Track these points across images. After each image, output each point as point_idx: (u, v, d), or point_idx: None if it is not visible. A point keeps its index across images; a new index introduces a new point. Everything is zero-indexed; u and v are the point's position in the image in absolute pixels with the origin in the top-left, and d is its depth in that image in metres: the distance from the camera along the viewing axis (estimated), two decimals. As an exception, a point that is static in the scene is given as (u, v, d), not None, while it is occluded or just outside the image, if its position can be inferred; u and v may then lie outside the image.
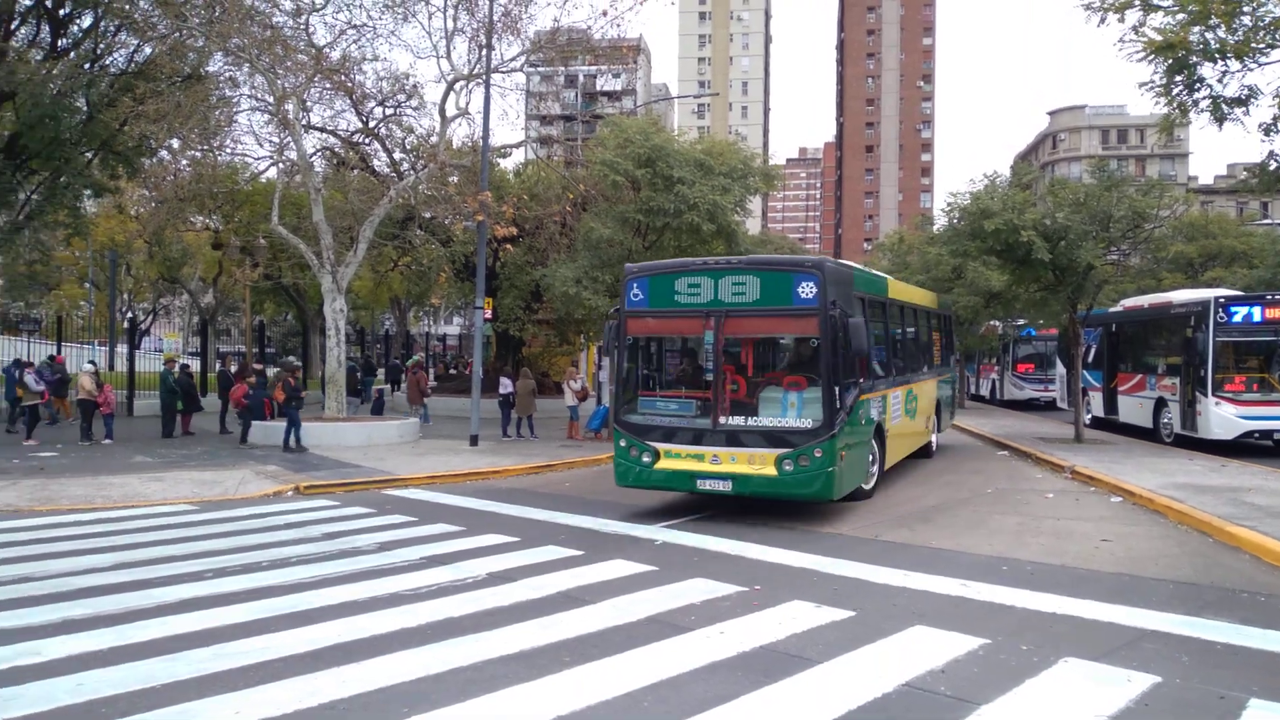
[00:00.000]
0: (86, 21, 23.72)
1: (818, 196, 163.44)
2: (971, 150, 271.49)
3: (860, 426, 11.51)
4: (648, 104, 55.44)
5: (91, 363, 21.09)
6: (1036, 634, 6.56)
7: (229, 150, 23.36)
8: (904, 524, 10.91)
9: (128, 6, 21.63)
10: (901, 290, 15.65)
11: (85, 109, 22.47)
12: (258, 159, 41.91)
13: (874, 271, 15.58)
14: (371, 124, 23.78)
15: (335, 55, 20.94)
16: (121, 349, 28.14)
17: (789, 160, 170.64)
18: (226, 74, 22.09)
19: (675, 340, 12.34)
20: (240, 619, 6.82)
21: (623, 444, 11.40)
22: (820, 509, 11.51)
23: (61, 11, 23.22)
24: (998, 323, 31.65)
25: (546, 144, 62.76)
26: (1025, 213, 17.73)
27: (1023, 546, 9.63)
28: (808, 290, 10.54)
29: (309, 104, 21.44)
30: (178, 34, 20.37)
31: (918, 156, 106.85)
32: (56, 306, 47.94)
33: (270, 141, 24.55)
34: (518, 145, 44.60)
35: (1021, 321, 30.68)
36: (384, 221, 21.41)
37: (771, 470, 10.49)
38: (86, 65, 22.84)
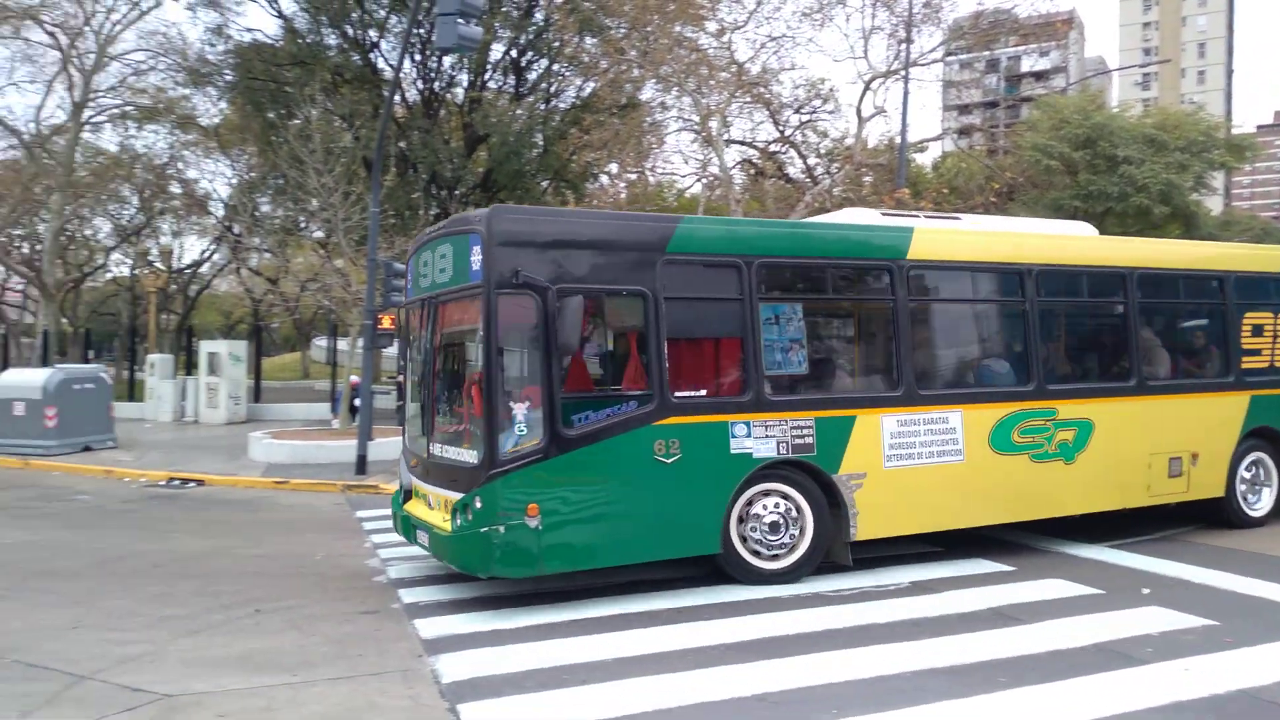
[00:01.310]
0: (542, 66, 27.05)
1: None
2: None
3: (628, 464, 7.33)
4: (1084, 79, 50.64)
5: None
6: None
7: (659, 170, 25.26)
8: None
9: (574, 50, 24.31)
10: (961, 242, 9.33)
11: (541, 143, 25.59)
12: (683, 176, 44.87)
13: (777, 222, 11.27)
14: (787, 132, 24.35)
15: (754, 69, 21.73)
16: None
17: (1260, 127, 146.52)
18: (657, 100, 23.91)
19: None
20: (661, 606, 7.26)
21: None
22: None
23: (523, 60, 26.72)
24: None
25: (966, 134, 59.86)
26: None
27: None
28: (475, 259, 7.21)
29: (730, 119, 22.47)
30: (617, 68, 22.42)
31: None
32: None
33: (695, 158, 26.09)
34: (936, 138, 43.06)
35: None
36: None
37: (446, 524, 7.38)
38: (541, 105, 26.04)
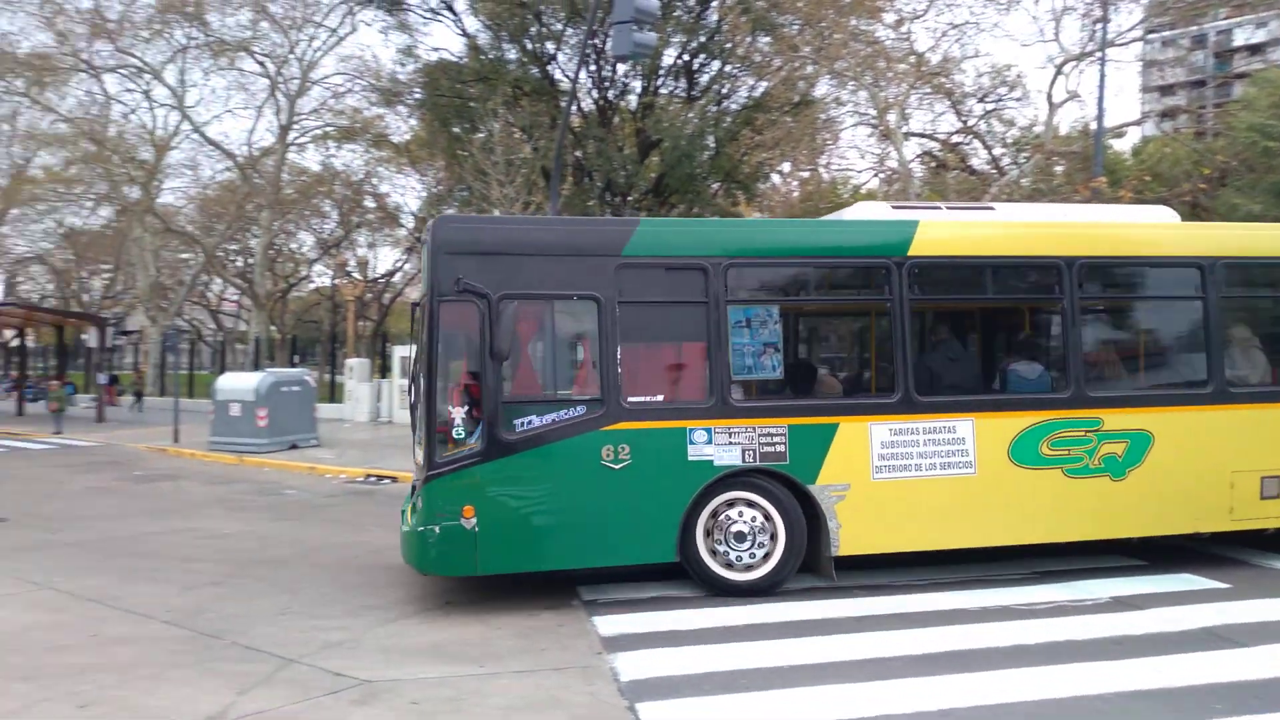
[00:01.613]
0: (713, 69, 27.09)
1: None
2: None
3: (571, 468, 7.27)
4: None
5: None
6: None
7: (833, 167, 24.80)
8: None
9: (747, 50, 24.24)
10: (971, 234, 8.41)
11: (713, 146, 25.63)
12: (859, 171, 43.85)
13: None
14: (970, 122, 23.37)
15: (935, 59, 20.98)
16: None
17: None
18: (832, 96, 23.49)
19: None
20: (849, 613, 7.07)
21: None
22: None
23: (695, 63, 26.85)
24: None
25: (1170, 116, 55.59)
26: None
27: None
28: (426, 268, 7.52)
29: (909, 111, 21.78)
30: (790, 66, 22.17)
31: None
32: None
33: (871, 153, 25.50)
34: (1135, 123, 40.18)
35: None
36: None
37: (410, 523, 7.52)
38: (713, 107, 26.08)
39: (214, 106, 49.72)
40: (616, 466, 7.34)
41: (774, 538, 7.58)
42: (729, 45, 24.68)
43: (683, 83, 27.40)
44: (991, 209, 9.36)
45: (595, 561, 7.53)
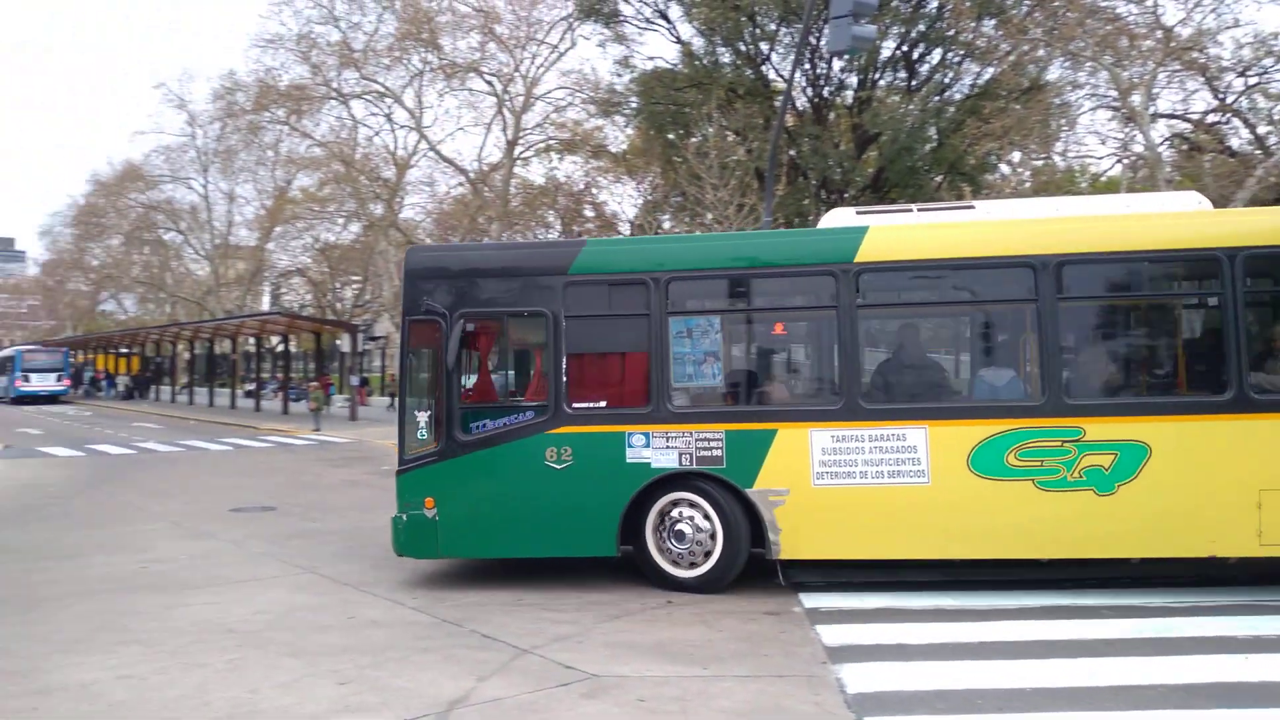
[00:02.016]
0: (934, 58, 26.03)
1: None
2: None
3: (528, 468, 7.96)
4: None
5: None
6: None
7: (1069, 154, 23.18)
8: None
9: (971, 36, 23.10)
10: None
11: (935, 137, 24.60)
12: (1099, 158, 40.92)
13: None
14: (1229, 99, 21.16)
15: (1186, 32, 19.15)
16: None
17: None
18: (1066, 79, 21.96)
19: None
20: (1097, 635, 6.53)
21: None
22: None
23: (914, 53, 25.91)
24: None
25: None
26: None
27: None
28: None
29: (1156, 91, 20.00)
30: (1019, 49, 20.93)
31: None
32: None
33: (1113, 138, 23.61)
34: None
35: None
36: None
37: None
38: (934, 98, 25.05)
39: (447, 125, 53.24)
40: (559, 467, 7.99)
41: (714, 537, 7.84)
42: (951, 33, 23.64)
43: (901, 74, 26.52)
44: (972, 208, 8.97)
45: (541, 552, 8.31)
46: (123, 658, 6.28)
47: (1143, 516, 7.33)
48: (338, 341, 36.88)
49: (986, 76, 24.65)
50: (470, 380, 8.55)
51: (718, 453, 7.86)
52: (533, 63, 37.32)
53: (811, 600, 7.57)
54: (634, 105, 29.06)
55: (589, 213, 41.64)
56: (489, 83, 37.92)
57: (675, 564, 7.96)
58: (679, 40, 28.61)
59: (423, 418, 8.43)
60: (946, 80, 26.05)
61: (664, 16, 28.31)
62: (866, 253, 7.82)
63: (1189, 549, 7.40)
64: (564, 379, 8.07)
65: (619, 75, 29.82)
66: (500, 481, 8.12)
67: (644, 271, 8.15)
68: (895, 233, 8.13)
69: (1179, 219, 7.94)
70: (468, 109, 43.42)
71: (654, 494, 7.97)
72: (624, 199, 42.25)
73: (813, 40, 24.15)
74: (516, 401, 8.51)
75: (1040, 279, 7.54)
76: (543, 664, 6.07)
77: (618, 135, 38.17)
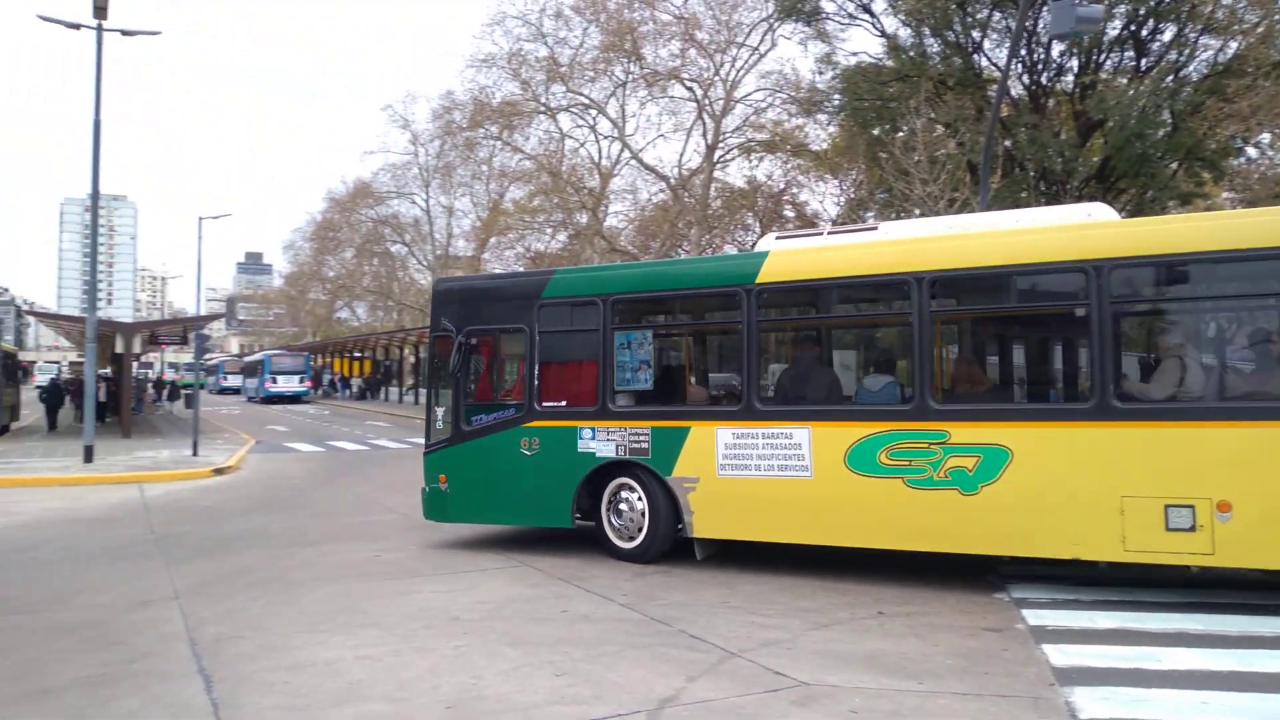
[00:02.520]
0: (1167, 35, 23.95)
1: None
2: None
3: (510, 456, 9.92)
4: None
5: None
6: None
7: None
8: None
9: (1210, 8, 21.11)
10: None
11: (1169, 121, 22.65)
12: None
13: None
14: None
15: None
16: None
17: None
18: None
19: None
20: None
21: None
22: None
23: (1143, 31, 23.95)
24: None
25: None
26: None
27: None
28: None
29: None
30: (1270, 19, 18.94)
31: None
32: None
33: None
34: None
35: None
36: None
37: None
38: (1168, 78, 23.05)
39: (648, 133, 54.13)
40: (530, 454, 9.86)
41: (644, 515, 9.26)
42: (1187, 7, 21.67)
43: (1129, 54, 24.57)
44: (875, 229, 9.33)
45: (520, 523, 10.59)
46: (361, 639, 6.78)
47: (1005, 516, 7.66)
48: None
49: (1230, 52, 22.43)
50: (473, 383, 10.51)
51: (645, 445, 9.32)
52: (733, 66, 37.41)
53: (1036, 617, 7.14)
54: (837, 102, 28.52)
55: (789, 213, 41.25)
56: (689, 88, 38.34)
57: (619, 536, 9.50)
58: (883, 34, 27.82)
59: (440, 412, 10.63)
60: (1181, 58, 23.92)
61: (867, 10, 27.61)
62: (766, 274, 8.88)
63: (1053, 550, 7.67)
64: (535, 383, 9.88)
65: (820, 73, 29.36)
66: (491, 464, 10.05)
67: (594, 294, 9.73)
68: (792, 255, 9.10)
69: (1050, 233, 8.02)
70: (668, 116, 44.08)
71: (607, 478, 9.55)
72: (825, 197, 41.53)
73: (1029, 25, 22.82)
74: (504, 401, 10.33)
75: (914, 293, 8.12)
76: (752, 668, 6.05)
77: (819, 134, 37.59)
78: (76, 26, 19.98)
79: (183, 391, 47.75)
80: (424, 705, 5.42)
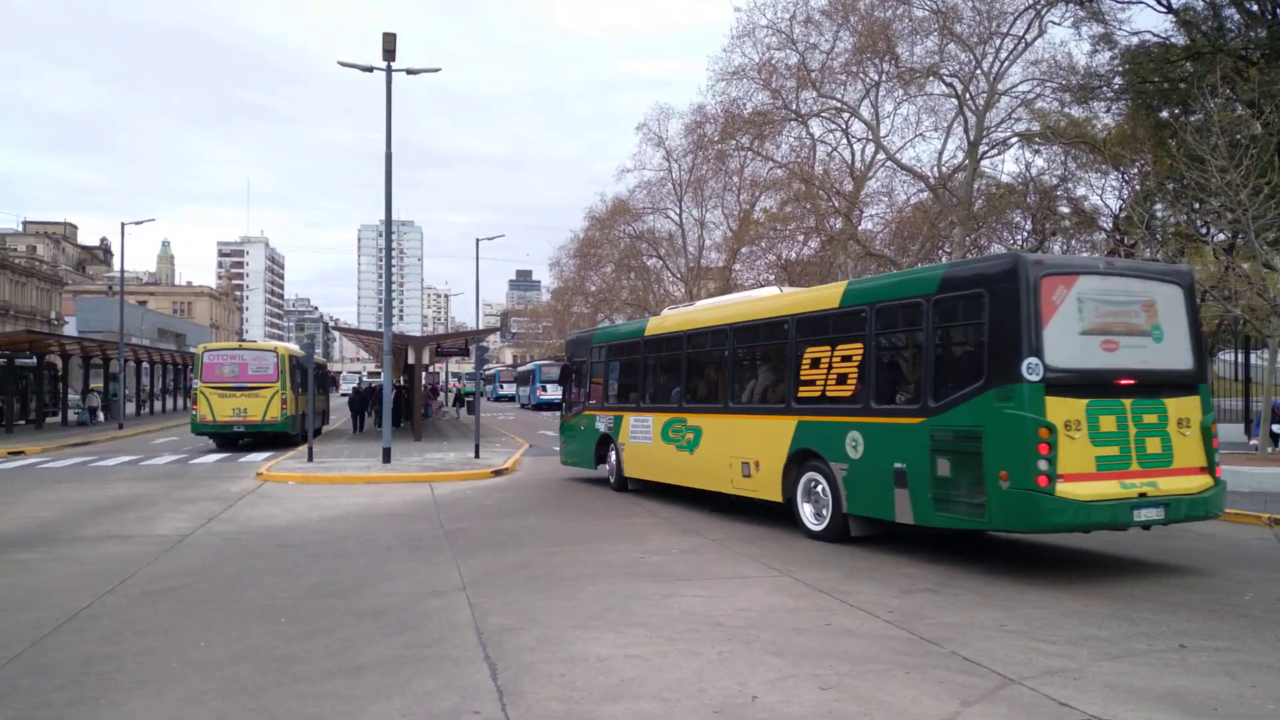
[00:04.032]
0: None
1: None
2: None
3: (579, 431, 18.56)
4: None
5: None
6: None
7: None
8: None
9: None
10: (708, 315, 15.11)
11: None
12: None
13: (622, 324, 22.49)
14: None
15: None
16: None
17: None
18: None
19: None
20: None
21: None
22: None
23: None
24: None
25: None
26: None
27: None
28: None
29: None
30: None
31: None
32: None
33: None
34: None
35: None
36: None
37: None
38: None
39: (904, 133, 52.33)
40: (584, 429, 18.15)
41: (613, 459, 17.15)
42: None
43: None
44: (691, 305, 17.26)
45: (576, 465, 18.97)
46: (629, 638, 7.02)
47: (703, 466, 13.99)
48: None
49: None
50: (576, 390, 18.93)
51: (613, 425, 17.05)
52: (995, 58, 35.49)
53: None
54: (1117, 86, 26.30)
55: (1064, 209, 38.53)
56: (948, 84, 36.77)
57: (610, 473, 17.37)
58: (1170, 9, 25.36)
59: (566, 405, 19.67)
60: None
61: (1152, -16, 25.29)
62: (649, 330, 16.38)
63: (716, 487, 13.77)
64: (587, 391, 18.33)
65: (1094, 56, 27.20)
66: (575, 434, 18.75)
67: (601, 343, 18.08)
68: (661, 319, 16.45)
69: (769, 300, 13.65)
70: (926, 114, 42.33)
71: (605, 442, 17.37)
72: (1105, 191, 38.32)
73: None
74: (583, 402, 18.43)
75: (683, 342, 15.20)
76: (1034, 696, 5.66)
77: (1095, 122, 34.87)
78: (370, 69, 22.19)
79: (465, 399, 51.72)
80: (692, 708, 5.52)
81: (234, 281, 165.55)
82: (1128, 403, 8.86)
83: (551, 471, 20.77)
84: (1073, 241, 41.17)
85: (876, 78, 38.41)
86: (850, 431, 10.69)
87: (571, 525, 12.99)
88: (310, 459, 21.39)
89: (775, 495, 12.04)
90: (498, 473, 19.81)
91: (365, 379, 72.48)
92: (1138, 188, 31.89)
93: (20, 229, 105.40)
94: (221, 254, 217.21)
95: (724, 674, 6.15)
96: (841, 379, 11.02)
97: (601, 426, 17.24)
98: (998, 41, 35.08)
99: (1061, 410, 8.57)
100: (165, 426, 39.19)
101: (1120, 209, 36.72)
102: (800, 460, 11.62)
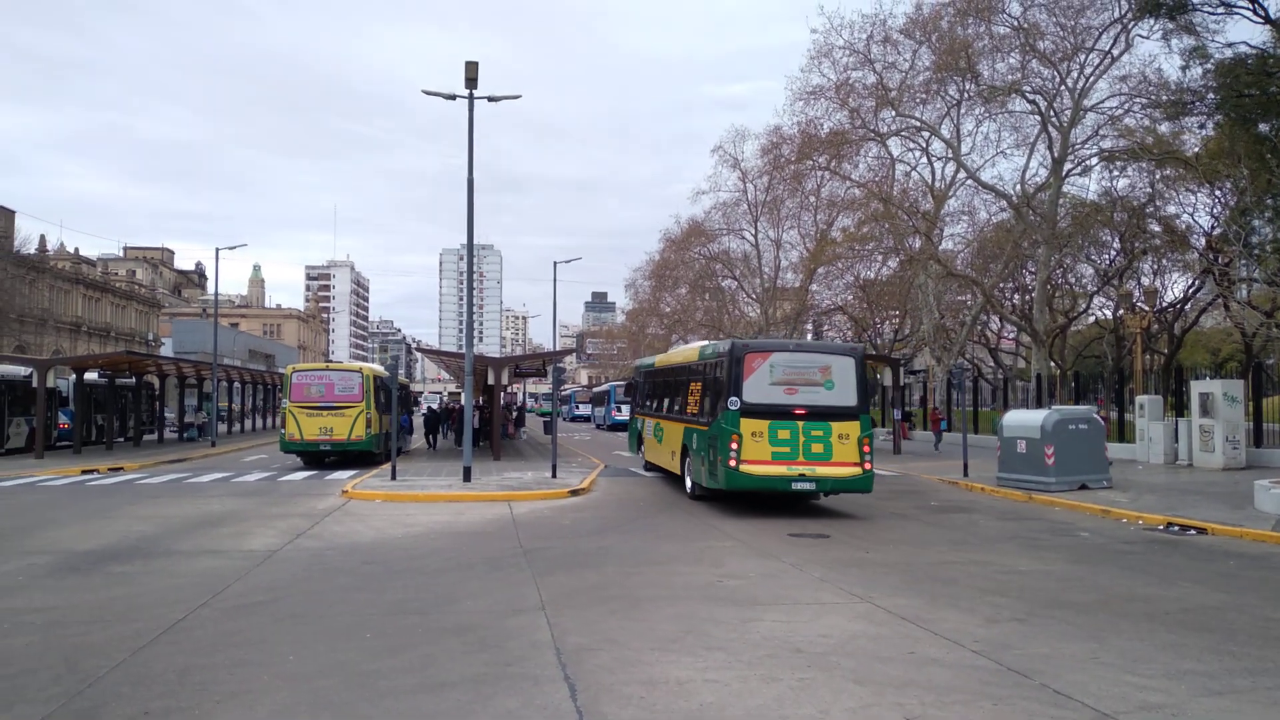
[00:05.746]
0: None
1: None
2: None
3: (634, 428, 26.52)
4: None
5: None
6: None
7: None
8: None
9: None
10: (665, 359, 23.78)
11: None
12: None
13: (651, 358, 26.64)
14: None
15: None
16: None
17: None
18: None
19: None
20: None
21: None
22: None
23: None
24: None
25: None
26: None
27: None
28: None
29: None
30: None
31: None
32: None
33: None
34: None
35: None
36: None
37: None
38: None
39: (986, 151, 51.40)
40: (639, 427, 25.78)
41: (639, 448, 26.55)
42: None
43: None
44: (667, 352, 28.41)
45: (632, 450, 27.47)
46: (708, 662, 6.99)
47: (660, 454, 22.36)
48: (879, 375, 37.44)
49: None
50: (632, 400, 27.23)
51: (642, 425, 25.17)
52: (1080, 73, 34.68)
53: None
54: (1211, 100, 25.43)
55: (1154, 226, 37.33)
56: (1031, 101, 36.08)
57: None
58: (1268, 19, 24.47)
59: (626, 409, 35.08)
60: None
61: (1248, -6, 24.43)
62: (653, 364, 24.54)
63: (670, 469, 21.18)
64: (635, 401, 26.42)
65: (1187, 69, 26.36)
66: (631, 429, 27.19)
67: (640, 368, 26.48)
68: (654, 358, 25.39)
69: (685, 352, 21.72)
70: (1008, 131, 41.53)
71: (640, 436, 25.44)
72: (1197, 208, 37.00)
73: None
74: (637, 408, 25.94)
75: (650, 374, 24.75)
76: (1130, 732, 5.46)
77: (1188, 138, 33.76)
78: (452, 97, 22.71)
79: (541, 419, 52.06)
80: (773, 734, 5.46)
81: (321, 304, 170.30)
82: (800, 424, 15.43)
83: (627, 492, 20.80)
84: (1163, 260, 39.78)
85: (957, 96, 37.88)
86: (694, 433, 18.27)
87: (648, 546, 12.98)
88: (394, 477, 21.84)
89: (706, 481, 17.09)
90: (574, 493, 19.92)
91: (445, 399, 73.84)
92: (1234, 204, 30.73)
93: (121, 254, 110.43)
94: (309, 277, 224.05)
95: (805, 701, 6.07)
96: (696, 402, 18.27)
97: (639, 425, 25.71)
98: (1083, 57, 34.31)
99: (749, 425, 15.50)
100: (255, 444, 40.45)
101: (1213, 226, 35.40)
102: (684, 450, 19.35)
